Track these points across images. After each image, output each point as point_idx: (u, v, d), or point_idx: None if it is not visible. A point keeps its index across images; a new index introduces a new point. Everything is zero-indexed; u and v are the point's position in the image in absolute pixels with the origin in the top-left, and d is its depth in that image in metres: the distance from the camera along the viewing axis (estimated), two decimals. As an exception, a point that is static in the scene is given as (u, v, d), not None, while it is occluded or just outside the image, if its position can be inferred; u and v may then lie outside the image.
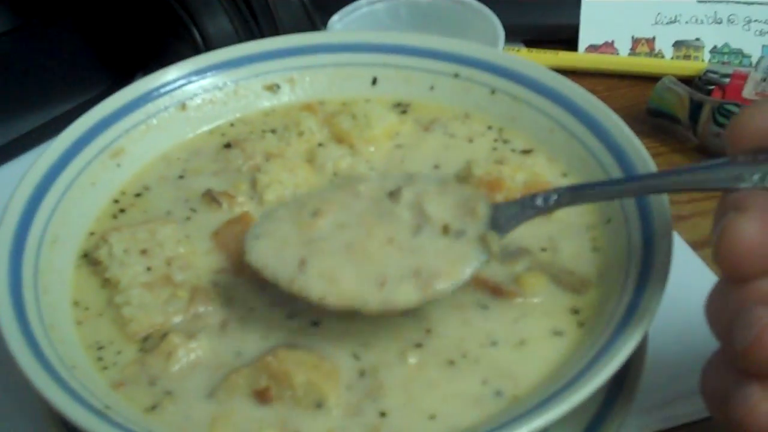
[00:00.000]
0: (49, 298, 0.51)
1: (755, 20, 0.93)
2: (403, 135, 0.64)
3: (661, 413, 0.57)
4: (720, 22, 0.94)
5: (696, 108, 0.81)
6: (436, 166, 0.61)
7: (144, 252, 0.54)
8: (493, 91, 0.64)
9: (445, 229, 0.48)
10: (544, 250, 0.54)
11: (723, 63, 0.93)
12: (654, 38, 0.95)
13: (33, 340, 0.46)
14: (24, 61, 0.87)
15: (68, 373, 0.45)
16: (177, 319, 0.51)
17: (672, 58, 0.95)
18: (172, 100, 0.64)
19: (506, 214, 0.49)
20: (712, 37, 0.94)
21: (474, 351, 0.48)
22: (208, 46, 0.80)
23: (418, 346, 0.48)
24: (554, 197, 0.48)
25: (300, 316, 0.50)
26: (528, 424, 0.41)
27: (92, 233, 0.57)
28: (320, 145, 0.63)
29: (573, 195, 0.48)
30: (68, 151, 0.58)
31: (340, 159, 0.61)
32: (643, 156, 0.54)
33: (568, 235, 0.54)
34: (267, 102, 0.67)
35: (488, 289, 0.51)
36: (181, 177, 0.61)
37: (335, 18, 0.89)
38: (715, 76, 0.86)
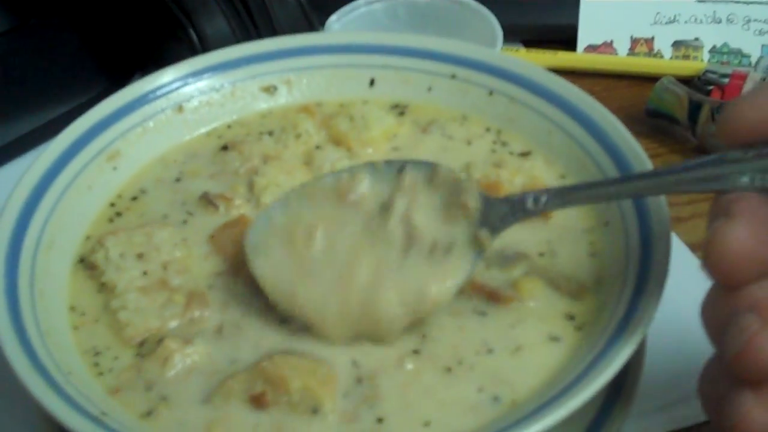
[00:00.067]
0: (46, 303, 0.50)
1: (754, 20, 0.92)
2: (400, 137, 0.64)
3: (660, 417, 0.57)
4: (719, 22, 0.93)
5: (695, 108, 0.80)
6: (435, 168, 0.61)
7: (140, 256, 0.54)
8: (490, 93, 0.64)
9: (433, 248, 0.49)
10: (541, 254, 0.53)
11: (722, 63, 0.93)
12: (653, 38, 0.95)
13: (29, 346, 0.46)
14: (21, 63, 0.87)
15: (64, 379, 0.45)
16: (173, 323, 0.50)
17: (671, 58, 0.95)
18: (169, 102, 0.64)
19: (498, 212, 0.49)
20: (711, 36, 0.94)
21: (470, 357, 0.48)
22: (205, 47, 0.80)
23: (416, 352, 0.48)
24: (543, 198, 0.48)
25: (296, 320, 0.50)
26: (525, 430, 0.41)
27: (88, 237, 0.57)
28: (318, 147, 0.63)
29: (562, 196, 0.48)
30: (65, 154, 0.58)
31: (337, 161, 0.61)
32: (641, 158, 0.54)
33: (566, 240, 0.54)
34: (264, 104, 0.67)
35: (485, 295, 0.51)
36: (177, 180, 0.61)
37: (333, 18, 0.89)
38: (714, 76, 0.86)
